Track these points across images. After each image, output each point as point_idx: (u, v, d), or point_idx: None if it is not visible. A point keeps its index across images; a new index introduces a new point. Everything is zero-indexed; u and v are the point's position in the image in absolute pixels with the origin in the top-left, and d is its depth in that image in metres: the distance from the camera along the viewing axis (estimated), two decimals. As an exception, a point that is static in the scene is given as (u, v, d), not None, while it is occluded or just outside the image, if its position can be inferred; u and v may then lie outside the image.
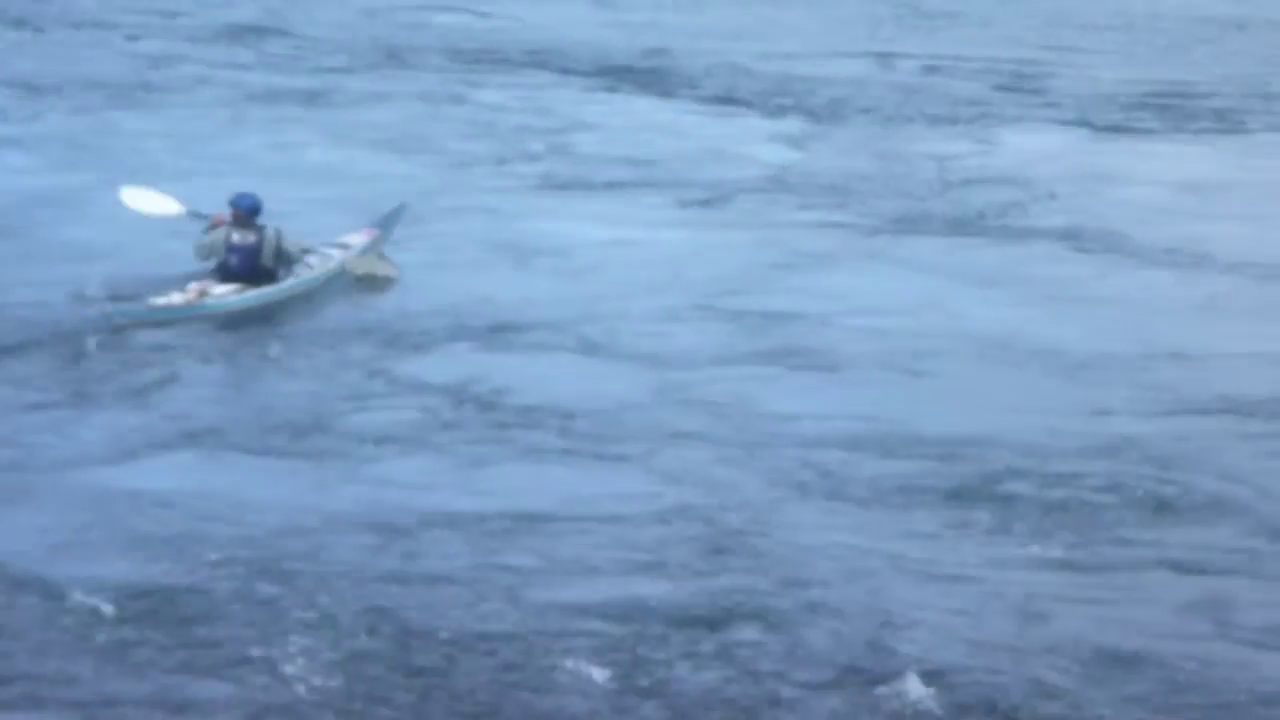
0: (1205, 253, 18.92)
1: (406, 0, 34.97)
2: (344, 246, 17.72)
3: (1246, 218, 20.47)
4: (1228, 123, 26.38)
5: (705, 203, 20.84)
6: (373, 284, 17.24)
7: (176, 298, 16.29)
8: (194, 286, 16.49)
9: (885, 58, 30.84)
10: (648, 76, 28.80)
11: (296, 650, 10.04)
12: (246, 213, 16.83)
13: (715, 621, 10.61)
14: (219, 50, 29.99)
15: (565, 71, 29.06)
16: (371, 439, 13.35)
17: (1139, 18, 35.95)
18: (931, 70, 29.87)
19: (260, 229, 16.87)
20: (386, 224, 18.51)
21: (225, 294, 16.54)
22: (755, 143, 24.30)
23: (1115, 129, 25.65)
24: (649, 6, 35.58)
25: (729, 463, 13.04)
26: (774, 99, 27.33)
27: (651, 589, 11.02)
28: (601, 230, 19.41)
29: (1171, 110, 27.05)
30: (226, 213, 16.93)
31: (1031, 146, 24.32)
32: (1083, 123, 25.95)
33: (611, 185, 21.60)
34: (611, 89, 27.88)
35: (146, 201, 17.35)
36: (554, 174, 22.10)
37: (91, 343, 15.28)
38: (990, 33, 34.01)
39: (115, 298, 16.14)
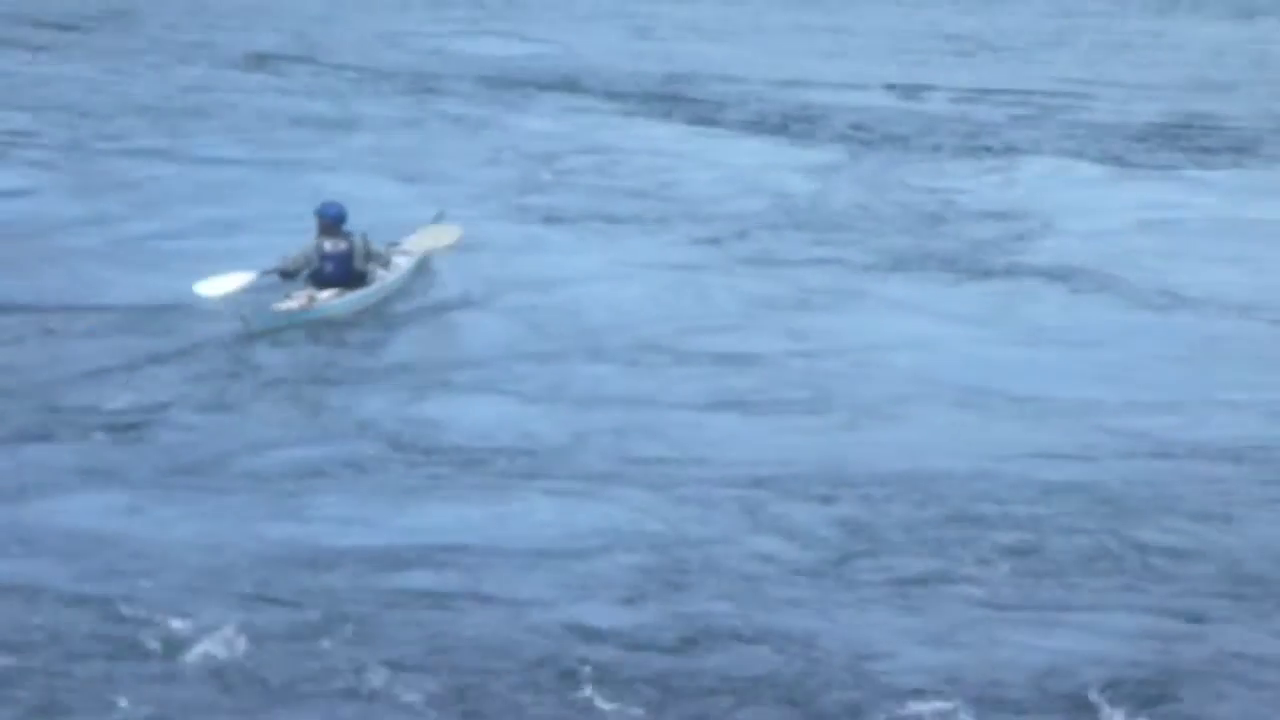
0: (1204, 294, 18.70)
1: (442, 27, 35.22)
2: (405, 253, 18.58)
3: (1251, 259, 20.20)
4: (1253, 157, 26.12)
5: (710, 237, 20.79)
6: (444, 253, 18.09)
7: (292, 304, 17.18)
8: (301, 293, 17.30)
9: (917, 88, 30.77)
10: (678, 103, 28.89)
11: (389, 680, 10.39)
12: (334, 220, 17.68)
13: (716, 650, 10.88)
14: (248, 77, 30.31)
15: (596, 97, 29.19)
16: (336, 477, 13.53)
17: (1196, 51, 35.64)
18: (961, 101, 29.79)
19: (348, 235, 17.69)
20: None
21: (330, 298, 17.30)
22: (774, 173, 24.31)
23: (1135, 163, 25.45)
24: (687, 34, 35.66)
25: (683, 500, 13.10)
26: (801, 128, 27.35)
27: (635, 620, 11.23)
28: (598, 264, 19.48)
29: (1196, 144, 26.81)
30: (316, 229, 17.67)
31: (1048, 181, 24.21)
32: (1105, 156, 25.77)
33: (620, 218, 21.63)
34: (640, 116, 27.99)
35: (221, 286, 17.58)
36: (565, 205, 22.16)
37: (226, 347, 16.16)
38: (1027, 65, 33.85)
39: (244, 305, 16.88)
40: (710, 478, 13.48)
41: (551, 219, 21.45)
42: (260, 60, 31.71)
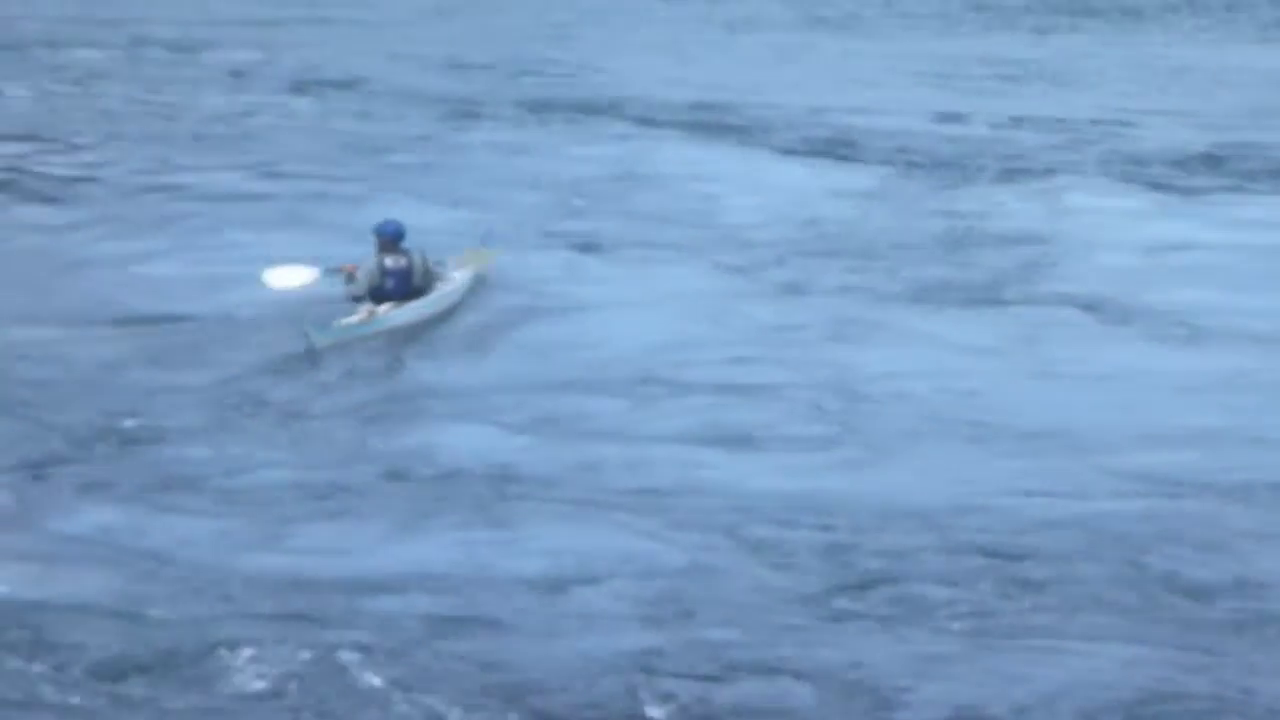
0: (1232, 326, 18.44)
1: (491, 55, 35.33)
2: (461, 266, 19.17)
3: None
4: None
5: (741, 265, 20.76)
6: (485, 272, 18.71)
7: (353, 319, 17.67)
8: (362, 308, 17.82)
9: (963, 115, 30.73)
10: (722, 129, 29.01)
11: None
12: (392, 238, 18.20)
13: (731, 680, 10.90)
14: (296, 102, 30.54)
15: (639, 123, 29.35)
16: (335, 503, 13.61)
17: (1254, 80, 35.29)
18: (1006, 128, 29.74)
19: (408, 252, 18.21)
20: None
21: (389, 310, 17.90)
22: (812, 199, 24.33)
23: (1175, 190, 25.29)
24: (738, 63, 35.65)
25: (683, 531, 13.09)
26: (843, 153, 27.40)
27: (649, 647, 11.28)
28: (624, 292, 19.49)
29: (1238, 171, 26.57)
30: (372, 247, 18.15)
31: (1085, 208, 24.05)
32: (1145, 184, 25.63)
33: (653, 244, 21.67)
34: (683, 141, 28.18)
35: (285, 278, 18.16)
36: (599, 231, 22.24)
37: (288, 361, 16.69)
38: (1078, 93, 33.67)
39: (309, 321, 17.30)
40: (712, 509, 13.46)
41: (585, 245, 21.52)
42: (309, 86, 31.94)
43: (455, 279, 18.77)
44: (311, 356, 16.95)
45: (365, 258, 18.24)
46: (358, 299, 17.92)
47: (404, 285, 18.11)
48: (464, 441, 14.85)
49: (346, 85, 31.94)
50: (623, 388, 16.17)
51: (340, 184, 24.60)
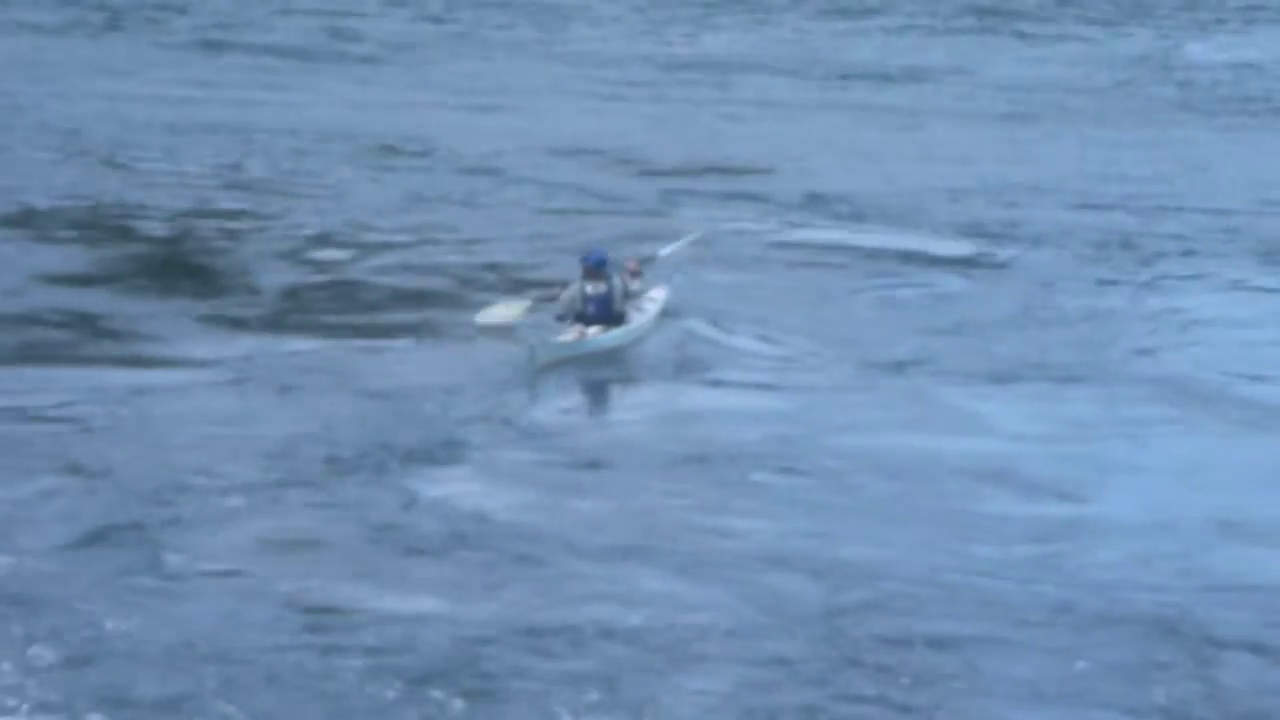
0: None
1: (682, 154, 34.50)
2: (652, 300, 20.82)
3: None
4: None
5: (853, 340, 20.93)
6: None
7: (568, 337, 19.51)
8: (572, 329, 19.66)
9: (1118, 203, 30.20)
10: (870, 215, 28.72)
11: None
12: (595, 266, 19.82)
13: None
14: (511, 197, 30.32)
15: (788, 208, 29.21)
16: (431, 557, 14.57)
17: None
18: (1158, 214, 29.22)
19: (608, 278, 19.68)
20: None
21: (597, 333, 19.68)
22: (943, 282, 24.23)
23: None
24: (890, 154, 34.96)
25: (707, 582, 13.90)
26: (980, 238, 27.08)
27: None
28: (756, 377, 19.64)
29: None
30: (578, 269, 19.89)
31: (1215, 290, 24.07)
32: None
33: (773, 324, 21.56)
34: (830, 229, 27.95)
35: (498, 315, 19.97)
36: (728, 312, 21.84)
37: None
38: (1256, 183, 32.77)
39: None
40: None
41: (716, 321, 21.37)
42: (507, 177, 31.38)
43: (648, 310, 20.32)
44: (534, 372, 18.47)
45: (570, 283, 19.94)
46: (561, 319, 19.64)
47: (604, 310, 19.78)
48: (545, 499, 15.71)
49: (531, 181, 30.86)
50: (669, 461, 16.73)
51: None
